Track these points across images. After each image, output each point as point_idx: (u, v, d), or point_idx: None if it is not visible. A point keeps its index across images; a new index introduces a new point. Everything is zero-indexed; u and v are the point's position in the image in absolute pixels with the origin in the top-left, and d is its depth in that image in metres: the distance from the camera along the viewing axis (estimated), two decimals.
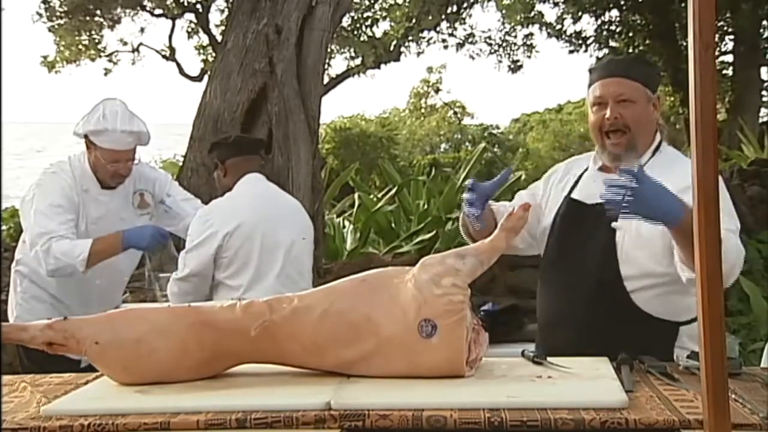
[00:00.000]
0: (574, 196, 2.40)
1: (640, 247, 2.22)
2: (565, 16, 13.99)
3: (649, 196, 1.90)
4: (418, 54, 14.15)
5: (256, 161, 3.37)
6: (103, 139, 3.25)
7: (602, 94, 2.31)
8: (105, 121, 3.24)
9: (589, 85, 2.38)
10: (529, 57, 14.68)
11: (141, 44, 13.06)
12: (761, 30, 13.03)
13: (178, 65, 12.90)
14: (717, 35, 9.54)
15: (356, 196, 9.70)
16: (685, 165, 2.35)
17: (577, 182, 2.43)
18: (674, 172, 2.21)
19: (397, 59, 13.35)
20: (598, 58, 13.14)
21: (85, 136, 3.30)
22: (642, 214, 1.93)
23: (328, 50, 8.11)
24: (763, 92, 13.84)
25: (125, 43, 13.01)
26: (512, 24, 14.47)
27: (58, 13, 11.83)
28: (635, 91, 2.30)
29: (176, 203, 3.60)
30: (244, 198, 3.26)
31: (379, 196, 9.97)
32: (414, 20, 13.04)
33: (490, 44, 14.53)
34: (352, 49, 13.17)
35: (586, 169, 2.45)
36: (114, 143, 3.26)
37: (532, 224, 2.37)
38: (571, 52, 13.86)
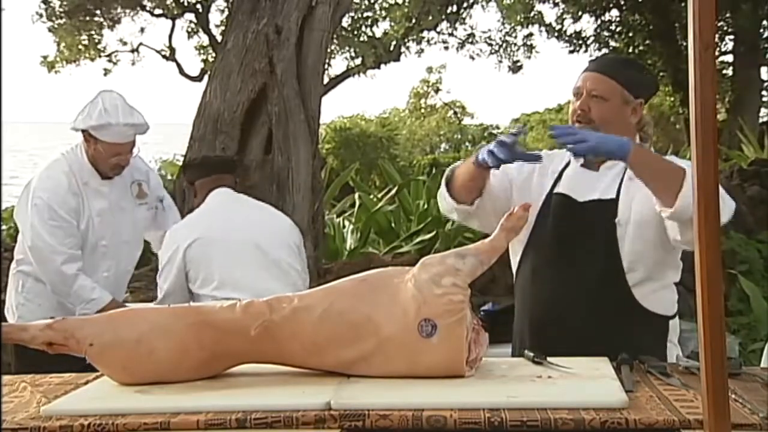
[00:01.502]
0: (561, 191, 2.38)
1: (642, 243, 2.25)
2: (565, 16, 14.00)
3: (595, 137, 2.13)
4: (419, 54, 14.17)
5: (225, 179, 3.35)
6: (106, 133, 3.26)
7: (579, 86, 2.35)
8: (107, 115, 3.24)
9: None
10: (529, 57, 14.68)
11: (141, 44, 13.07)
12: (761, 30, 13.03)
13: (178, 65, 12.90)
14: (717, 35, 9.54)
15: (356, 196, 9.70)
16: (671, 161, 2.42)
17: (558, 178, 2.42)
18: None
19: (397, 59, 13.34)
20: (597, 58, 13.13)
21: (84, 131, 3.30)
22: (594, 152, 2.14)
23: (328, 50, 8.11)
24: (763, 92, 13.85)
25: (125, 43, 13.01)
26: (512, 24, 14.46)
27: (58, 13, 11.82)
28: (609, 90, 2.32)
29: (170, 208, 3.68)
30: (202, 211, 3.28)
31: (379, 196, 9.97)
32: (414, 20, 13.03)
33: (491, 44, 14.52)
34: (352, 49, 13.16)
35: (567, 165, 2.43)
36: (116, 137, 3.27)
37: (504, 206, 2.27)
38: (571, 52, 13.87)
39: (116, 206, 3.41)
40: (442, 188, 2.46)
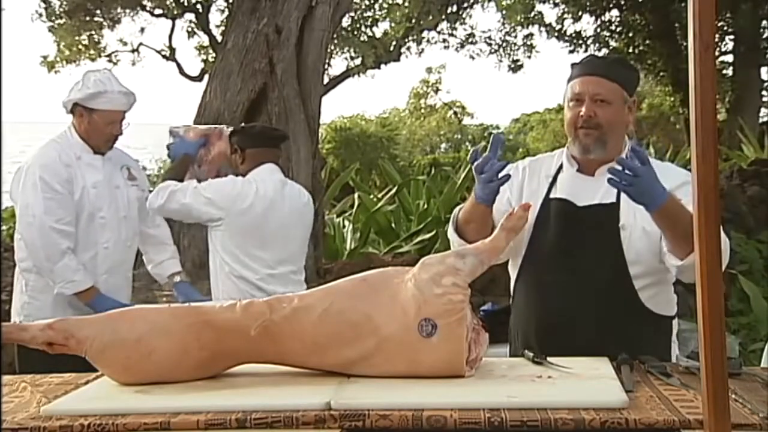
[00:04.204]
0: (559, 196, 2.37)
1: (646, 246, 2.25)
2: (565, 16, 14.00)
3: (648, 179, 2.03)
4: (419, 54, 14.17)
5: (274, 153, 3.55)
6: (102, 100, 3.35)
7: (580, 92, 2.32)
8: (102, 84, 3.35)
9: (569, 81, 2.38)
10: (529, 57, 14.69)
11: (141, 44, 13.08)
12: (761, 30, 13.03)
13: (178, 65, 12.91)
14: (717, 35, 9.54)
15: (356, 196, 9.71)
16: (666, 167, 2.42)
17: (552, 183, 2.41)
18: (662, 174, 2.33)
19: (397, 59, 13.35)
20: None
21: (76, 105, 3.38)
22: (634, 195, 2.06)
23: (328, 50, 8.11)
24: (763, 92, 13.85)
25: (125, 43, 13.03)
26: (512, 24, 14.47)
27: (58, 13, 11.82)
28: (612, 92, 2.32)
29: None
30: (258, 183, 3.43)
31: (379, 196, 9.99)
32: (414, 20, 13.03)
33: (491, 44, 14.53)
34: (352, 49, 13.16)
35: (559, 169, 2.43)
36: (112, 104, 3.37)
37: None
38: (571, 52, 13.87)
39: (110, 183, 3.47)
40: (451, 232, 2.40)
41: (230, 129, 3.67)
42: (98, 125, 3.38)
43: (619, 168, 2.02)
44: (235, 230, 3.36)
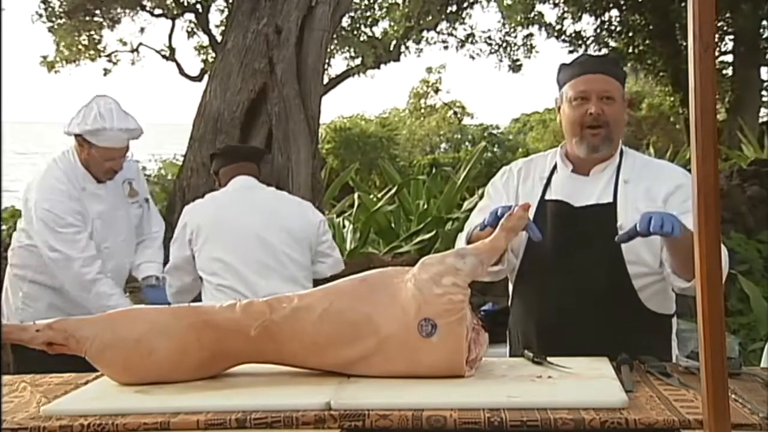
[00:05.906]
0: (555, 197, 2.37)
1: (645, 246, 2.25)
2: (565, 16, 14.00)
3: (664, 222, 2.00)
4: (418, 54, 14.19)
5: (248, 167, 3.41)
6: (101, 138, 3.28)
7: (587, 89, 2.33)
8: (102, 120, 3.27)
9: (566, 81, 2.38)
10: (529, 57, 14.70)
11: (141, 44, 13.09)
12: (761, 30, 13.02)
13: (178, 65, 12.92)
14: (717, 35, 9.53)
15: (356, 196, 9.70)
16: (662, 167, 2.43)
17: (547, 184, 2.41)
18: (658, 174, 2.32)
19: (397, 59, 13.37)
20: None
21: (78, 135, 3.31)
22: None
23: (328, 50, 8.11)
24: (763, 92, 13.83)
25: (125, 43, 13.04)
26: (512, 24, 14.48)
27: (58, 13, 11.83)
28: (616, 90, 2.36)
29: (153, 210, 3.71)
30: (221, 195, 3.36)
31: (379, 196, 9.98)
32: (414, 20, 13.04)
33: (491, 44, 14.54)
34: (352, 49, 13.17)
35: (553, 170, 2.43)
36: (111, 141, 3.30)
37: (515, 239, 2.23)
38: (571, 52, 13.85)
39: (114, 210, 3.44)
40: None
41: None
42: (97, 159, 3.33)
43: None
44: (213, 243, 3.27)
